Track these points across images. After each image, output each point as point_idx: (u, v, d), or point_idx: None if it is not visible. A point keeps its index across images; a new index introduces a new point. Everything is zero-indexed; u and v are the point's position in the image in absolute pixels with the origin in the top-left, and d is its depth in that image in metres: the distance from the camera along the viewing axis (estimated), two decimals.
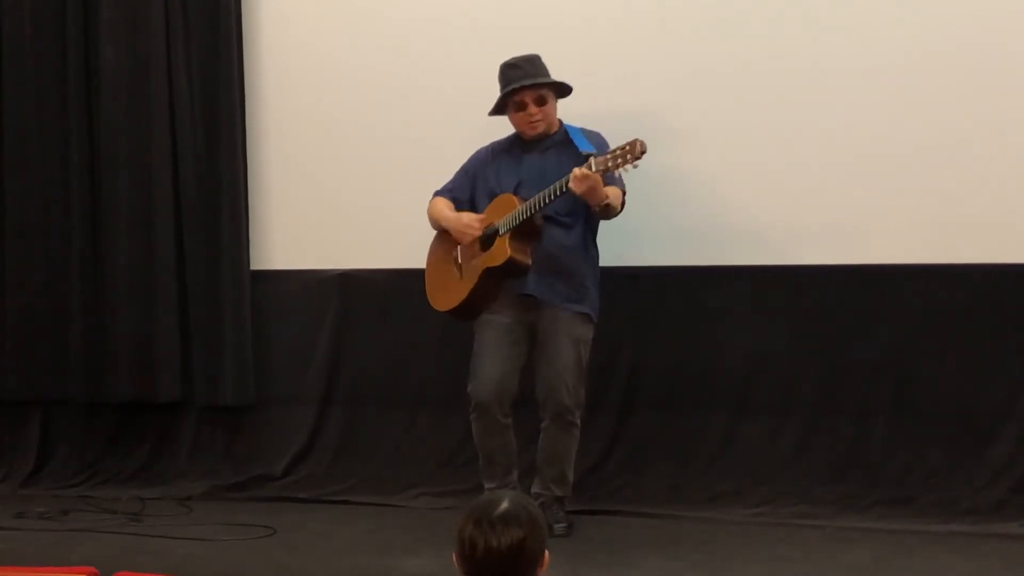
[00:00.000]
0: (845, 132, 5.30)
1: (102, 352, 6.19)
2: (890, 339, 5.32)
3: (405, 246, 5.64)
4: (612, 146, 4.89)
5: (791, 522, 5.20)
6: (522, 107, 5.05)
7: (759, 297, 5.48)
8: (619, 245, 5.40)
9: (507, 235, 4.96)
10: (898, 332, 5.31)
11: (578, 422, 5.12)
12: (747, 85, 5.39)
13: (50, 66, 6.22)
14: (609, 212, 4.97)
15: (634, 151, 4.72)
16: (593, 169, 4.76)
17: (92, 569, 3.22)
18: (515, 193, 5.05)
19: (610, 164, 4.77)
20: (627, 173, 4.86)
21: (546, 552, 2.55)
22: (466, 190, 5.23)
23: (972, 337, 5.23)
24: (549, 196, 4.87)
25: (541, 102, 5.05)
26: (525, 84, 5.00)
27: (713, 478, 5.49)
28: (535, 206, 4.91)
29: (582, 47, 5.51)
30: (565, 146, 5.04)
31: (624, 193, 5.02)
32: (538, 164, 5.08)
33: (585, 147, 4.93)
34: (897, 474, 5.30)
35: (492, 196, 5.12)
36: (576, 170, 4.78)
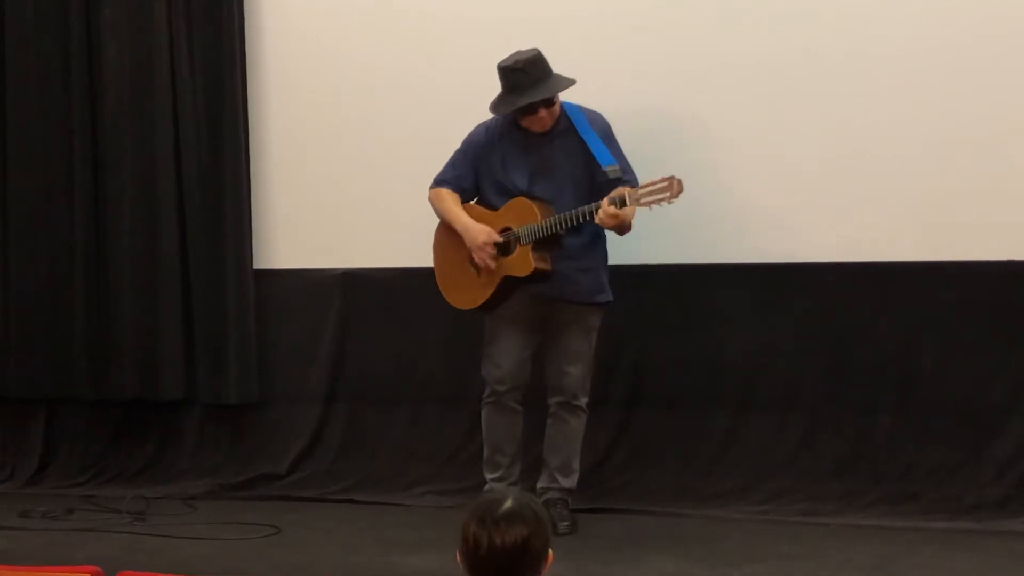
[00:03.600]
0: (849, 129, 5.30)
1: (106, 350, 6.19)
2: (894, 336, 5.31)
3: (408, 245, 5.64)
4: (615, 132, 4.96)
5: (796, 519, 5.20)
6: (532, 112, 5.01)
7: (763, 294, 5.47)
8: (623, 243, 5.39)
9: (529, 247, 4.96)
10: (902, 329, 5.30)
11: (585, 408, 5.15)
12: (751, 83, 5.38)
13: (53, 64, 6.22)
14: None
15: (672, 191, 4.69)
16: (627, 204, 4.75)
17: (96, 568, 3.20)
18: (529, 189, 5.03)
19: (643, 200, 4.74)
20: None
21: (550, 550, 2.55)
22: (469, 177, 5.19)
23: (976, 334, 5.22)
24: (575, 220, 4.86)
25: (550, 104, 5.02)
26: (538, 100, 4.93)
27: (717, 475, 5.49)
28: (560, 226, 4.89)
29: (589, 43, 5.51)
30: (572, 136, 5.03)
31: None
32: (547, 156, 5.05)
33: (605, 159, 4.91)
34: (901, 471, 5.30)
35: (502, 189, 5.10)
36: (607, 207, 4.76)
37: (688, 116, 5.44)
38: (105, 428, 6.29)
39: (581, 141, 4.98)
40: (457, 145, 5.26)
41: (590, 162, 4.95)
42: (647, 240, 5.45)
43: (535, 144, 5.08)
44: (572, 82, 4.99)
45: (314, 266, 6.05)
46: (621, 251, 5.28)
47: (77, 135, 6.19)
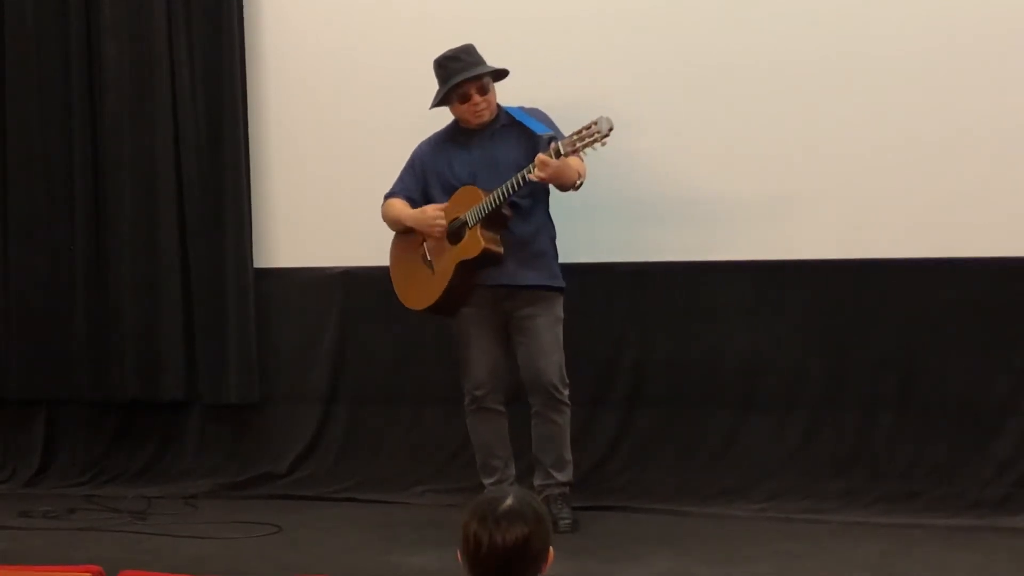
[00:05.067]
0: (849, 128, 5.30)
1: (107, 351, 6.20)
2: (895, 334, 5.31)
3: None
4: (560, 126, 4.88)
5: (797, 517, 5.20)
6: (467, 98, 5.06)
7: (763, 292, 5.47)
8: (623, 240, 5.40)
9: (477, 226, 4.98)
10: (903, 327, 5.30)
11: (567, 400, 5.13)
12: (751, 82, 5.38)
13: (53, 63, 6.23)
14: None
15: (601, 130, 4.70)
16: (562, 153, 4.76)
17: (97, 568, 3.21)
18: (474, 183, 5.07)
19: (578, 146, 4.76)
20: (595, 152, 4.79)
21: (551, 548, 2.55)
22: (417, 187, 5.25)
23: (977, 331, 5.22)
24: (515, 185, 4.89)
25: (484, 91, 5.06)
26: (470, 76, 5.01)
27: (718, 473, 5.49)
28: (503, 195, 4.92)
29: (589, 43, 5.51)
30: (512, 128, 5.07)
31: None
32: (489, 150, 5.10)
33: (539, 128, 4.94)
34: (902, 468, 5.29)
35: (449, 189, 5.14)
36: (539, 157, 4.79)
37: (688, 115, 5.44)
38: (106, 428, 6.29)
39: (521, 128, 5.01)
40: None
41: (534, 148, 4.95)
42: (646, 238, 5.46)
43: (477, 142, 5.13)
44: (505, 72, 5.06)
45: (314, 265, 6.05)
46: (620, 250, 5.27)
47: (77, 135, 6.19)
